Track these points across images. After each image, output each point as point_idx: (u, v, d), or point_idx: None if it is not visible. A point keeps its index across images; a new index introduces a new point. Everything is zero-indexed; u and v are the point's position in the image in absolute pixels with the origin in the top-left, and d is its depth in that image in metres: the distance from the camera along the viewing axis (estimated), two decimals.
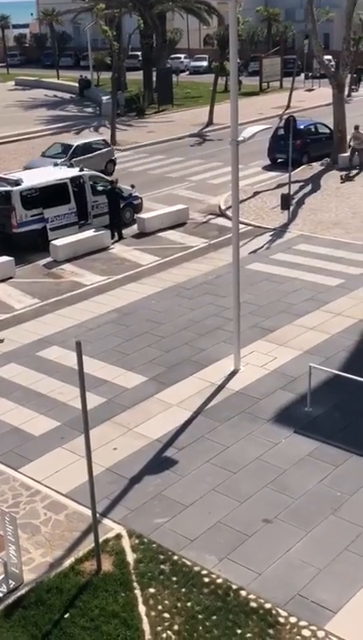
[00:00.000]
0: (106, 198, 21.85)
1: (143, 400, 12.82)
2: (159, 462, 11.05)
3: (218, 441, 11.50)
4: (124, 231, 22.38)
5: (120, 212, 22.07)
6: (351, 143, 28.80)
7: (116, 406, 12.65)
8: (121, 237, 21.86)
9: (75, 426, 11.80)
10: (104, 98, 45.20)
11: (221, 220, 23.40)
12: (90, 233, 21.17)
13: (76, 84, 54.93)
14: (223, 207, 24.32)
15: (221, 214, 23.97)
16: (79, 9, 52.50)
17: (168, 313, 16.43)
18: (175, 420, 12.15)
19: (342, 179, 27.29)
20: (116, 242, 21.47)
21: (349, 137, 29.31)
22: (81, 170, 22.58)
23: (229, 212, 22.47)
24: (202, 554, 9.18)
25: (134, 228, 22.71)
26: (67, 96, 54.24)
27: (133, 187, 23.22)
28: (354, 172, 28.12)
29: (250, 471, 10.72)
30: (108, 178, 22.97)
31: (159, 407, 12.57)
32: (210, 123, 39.87)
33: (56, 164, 23.27)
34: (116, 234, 21.68)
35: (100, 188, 22.27)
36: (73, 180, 21.80)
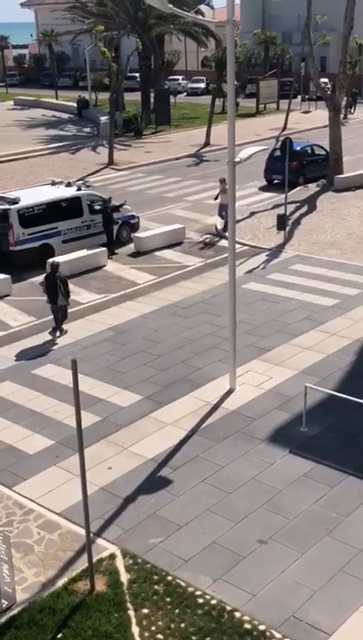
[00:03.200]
0: (101, 217, 22.08)
1: (138, 419, 12.80)
2: (154, 482, 11.01)
3: (213, 460, 11.47)
4: (120, 250, 22.49)
5: (112, 230, 22.26)
6: (219, 199, 24.10)
7: (111, 425, 12.63)
8: (114, 254, 21.98)
9: (69, 444, 11.77)
10: (102, 118, 45.55)
11: (217, 240, 23.52)
12: (86, 252, 21.24)
13: (75, 104, 55.36)
14: (220, 227, 24.44)
15: (218, 234, 24.09)
16: (78, 30, 53.05)
17: (164, 331, 16.45)
18: (170, 439, 12.12)
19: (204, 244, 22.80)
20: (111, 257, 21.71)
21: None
22: (79, 189, 22.77)
23: (225, 232, 22.59)
24: (196, 574, 9.12)
25: (131, 247, 22.81)
26: (65, 116, 54.63)
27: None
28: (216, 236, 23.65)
29: (245, 491, 10.69)
30: (105, 197, 23.12)
31: (154, 426, 12.55)
32: (207, 144, 40.16)
33: (54, 183, 23.41)
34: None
35: (96, 207, 22.41)
36: (70, 199, 21.95)
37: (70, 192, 22.34)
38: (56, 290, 16.11)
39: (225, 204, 23.36)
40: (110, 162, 36.12)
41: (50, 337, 16.42)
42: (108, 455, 11.72)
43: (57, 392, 13.75)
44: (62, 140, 43.45)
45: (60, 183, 23.68)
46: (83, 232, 22.15)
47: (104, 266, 21.14)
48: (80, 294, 19.10)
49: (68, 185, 23.33)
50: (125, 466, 11.41)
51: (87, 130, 48.00)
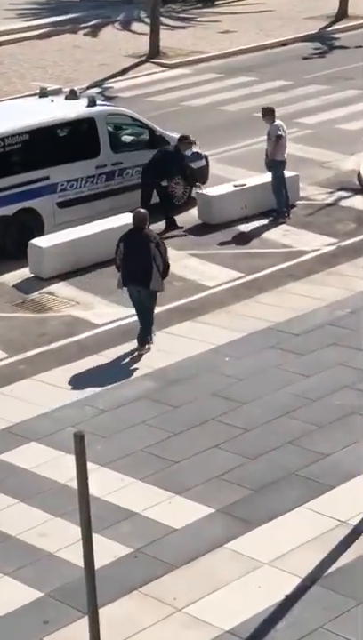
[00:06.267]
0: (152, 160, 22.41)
1: (205, 553, 12.82)
2: None
3: (353, 638, 11.37)
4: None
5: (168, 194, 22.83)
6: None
7: (151, 563, 12.67)
8: (174, 227, 22.44)
9: (69, 599, 11.82)
10: None
11: (362, 201, 23.58)
12: (110, 224, 21.29)
13: None
14: None
15: None
16: None
17: (256, 381, 16.52)
18: (267, 593, 12.09)
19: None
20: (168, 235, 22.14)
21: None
22: (92, 103, 22.93)
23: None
24: None
25: (192, 215, 23.03)
26: None
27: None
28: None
29: None
30: (152, 125, 23.31)
31: (236, 567, 12.55)
32: (343, 15, 40.52)
33: (44, 93, 23.72)
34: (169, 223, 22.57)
35: (127, 139, 22.63)
36: (74, 123, 22.37)
37: (76, 109, 22.81)
38: (147, 261, 16.73)
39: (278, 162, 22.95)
40: (154, 51, 36.58)
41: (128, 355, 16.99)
42: (147, 622, 11.72)
43: (45, 497, 13.90)
44: (62, 12, 44.31)
45: (57, 93, 24.05)
46: (99, 186, 22.56)
47: None
48: (95, 307, 19.35)
49: (72, 96, 23.64)
50: None
51: None
